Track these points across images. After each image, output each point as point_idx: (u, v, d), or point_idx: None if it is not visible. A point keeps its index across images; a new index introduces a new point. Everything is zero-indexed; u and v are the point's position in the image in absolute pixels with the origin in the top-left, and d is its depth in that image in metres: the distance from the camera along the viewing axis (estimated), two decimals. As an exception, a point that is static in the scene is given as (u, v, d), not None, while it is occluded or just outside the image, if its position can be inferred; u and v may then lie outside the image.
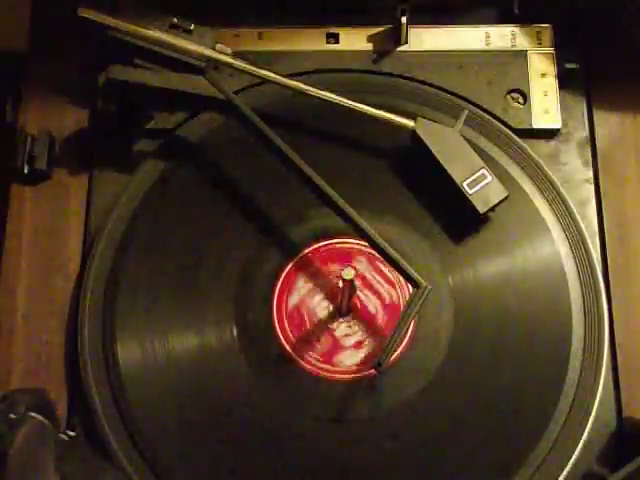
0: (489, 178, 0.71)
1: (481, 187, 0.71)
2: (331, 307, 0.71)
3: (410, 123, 0.72)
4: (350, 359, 0.69)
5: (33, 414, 0.58)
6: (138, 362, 0.69)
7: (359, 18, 0.80)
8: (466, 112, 0.73)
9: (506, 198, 0.71)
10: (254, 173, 0.74)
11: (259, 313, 0.70)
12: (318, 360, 0.69)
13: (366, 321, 0.70)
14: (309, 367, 0.69)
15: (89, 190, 0.75)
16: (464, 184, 0.71)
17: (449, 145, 0.72)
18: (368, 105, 0.73)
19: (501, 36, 0.79)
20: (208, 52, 0.72)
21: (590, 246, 0.72)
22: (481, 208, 0.71)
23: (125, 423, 0.67)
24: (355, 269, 0.66)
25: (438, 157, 0.71)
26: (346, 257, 0.72)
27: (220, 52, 0.73)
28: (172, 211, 0.73)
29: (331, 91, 0.73)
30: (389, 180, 0.74)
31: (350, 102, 0.73)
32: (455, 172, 0.71)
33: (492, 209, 0.71)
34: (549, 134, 0.76)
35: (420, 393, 0.68)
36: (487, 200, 0.71)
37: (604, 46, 0.78)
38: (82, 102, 0.77)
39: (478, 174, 0.71)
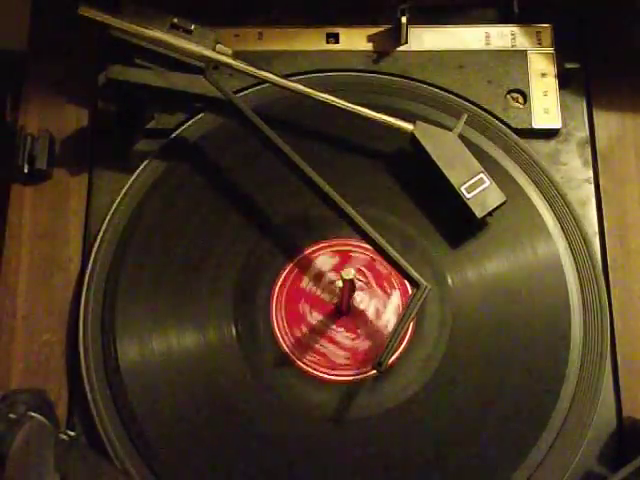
0: (487, 182, 0.71)
1: (479, 191, 0.70)
2: (331, 307, 0.71)
3: (409, 127, 0.72)
4: (350, 359, 0.69)
5: (33, 414, 0.58)
6: (138, 362, 0.69)
7: (359, 18, 0.80)
8: (465, 116, 0.73)
9: (504, 203, 0.71)
10: (254, 173, 0.74)
11: (259, 313, 0.70)
12: (318, 360, 0.69)
13: (366, 321, 0.70)
14: (309, 367, 0.69)
15: (89, 190, 0.75)
16: (462, 188, 0.71)
17: (448, 149, 0.72)
18: (368, 105, 0.73)
19: (501, 36, 0.79)
20: (208, 52, 0.72)
21: (590, 246, 0.72)
22: (478, 212, 0.70)
23: (125, 423, 0.67)
24: (355, 269, 0.66)
25: (437, 161, 0.71)
26: (346, 257, 0.72)
27: (220, 52, 0.73)
28: (172, 211, 0.73)
29: (331, 91, 0.73)
30: (389, 181, 0.74)
31: (349, 105, 0.73)
32: (453, 176, 0.71)
33: (490, 214, 0.71)
34: (549, 134, 0.76)
35: (420, 393, 0.68)
36: (485, 205, 0.70)
37: (604, 46, 0.78)
38: (82, 102, 0.77)
39: (476, 178, 0.71)
